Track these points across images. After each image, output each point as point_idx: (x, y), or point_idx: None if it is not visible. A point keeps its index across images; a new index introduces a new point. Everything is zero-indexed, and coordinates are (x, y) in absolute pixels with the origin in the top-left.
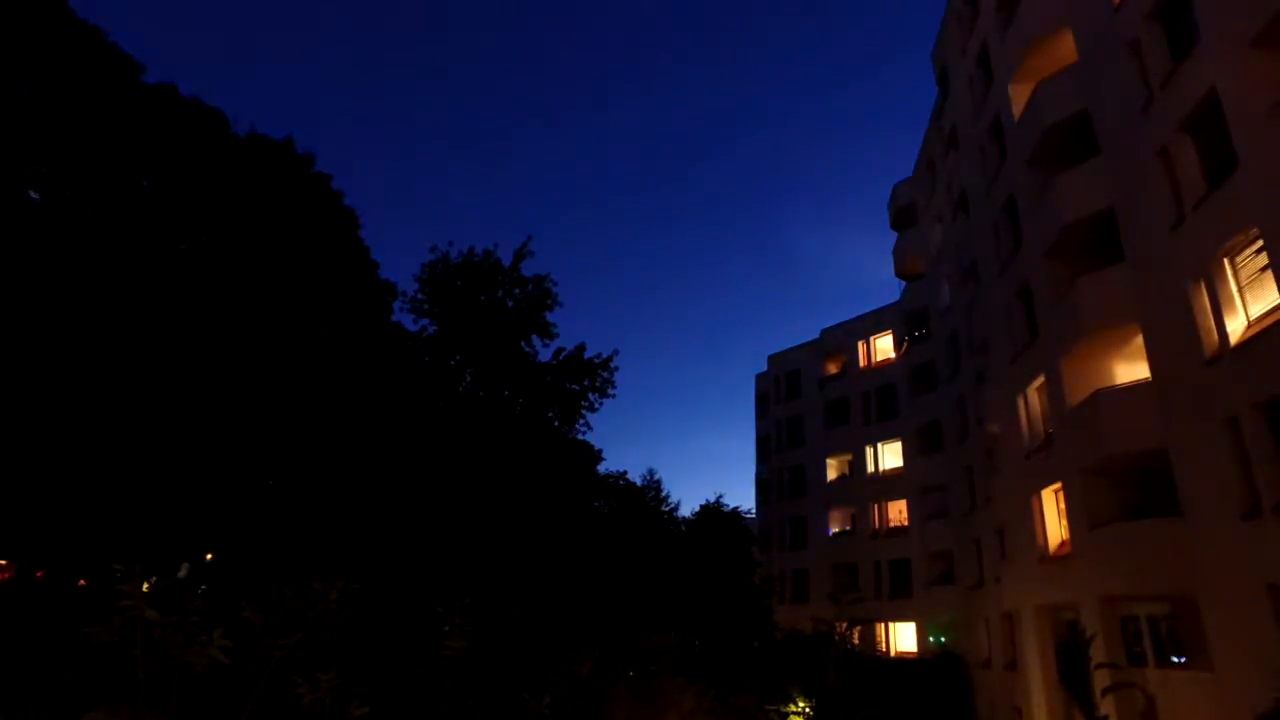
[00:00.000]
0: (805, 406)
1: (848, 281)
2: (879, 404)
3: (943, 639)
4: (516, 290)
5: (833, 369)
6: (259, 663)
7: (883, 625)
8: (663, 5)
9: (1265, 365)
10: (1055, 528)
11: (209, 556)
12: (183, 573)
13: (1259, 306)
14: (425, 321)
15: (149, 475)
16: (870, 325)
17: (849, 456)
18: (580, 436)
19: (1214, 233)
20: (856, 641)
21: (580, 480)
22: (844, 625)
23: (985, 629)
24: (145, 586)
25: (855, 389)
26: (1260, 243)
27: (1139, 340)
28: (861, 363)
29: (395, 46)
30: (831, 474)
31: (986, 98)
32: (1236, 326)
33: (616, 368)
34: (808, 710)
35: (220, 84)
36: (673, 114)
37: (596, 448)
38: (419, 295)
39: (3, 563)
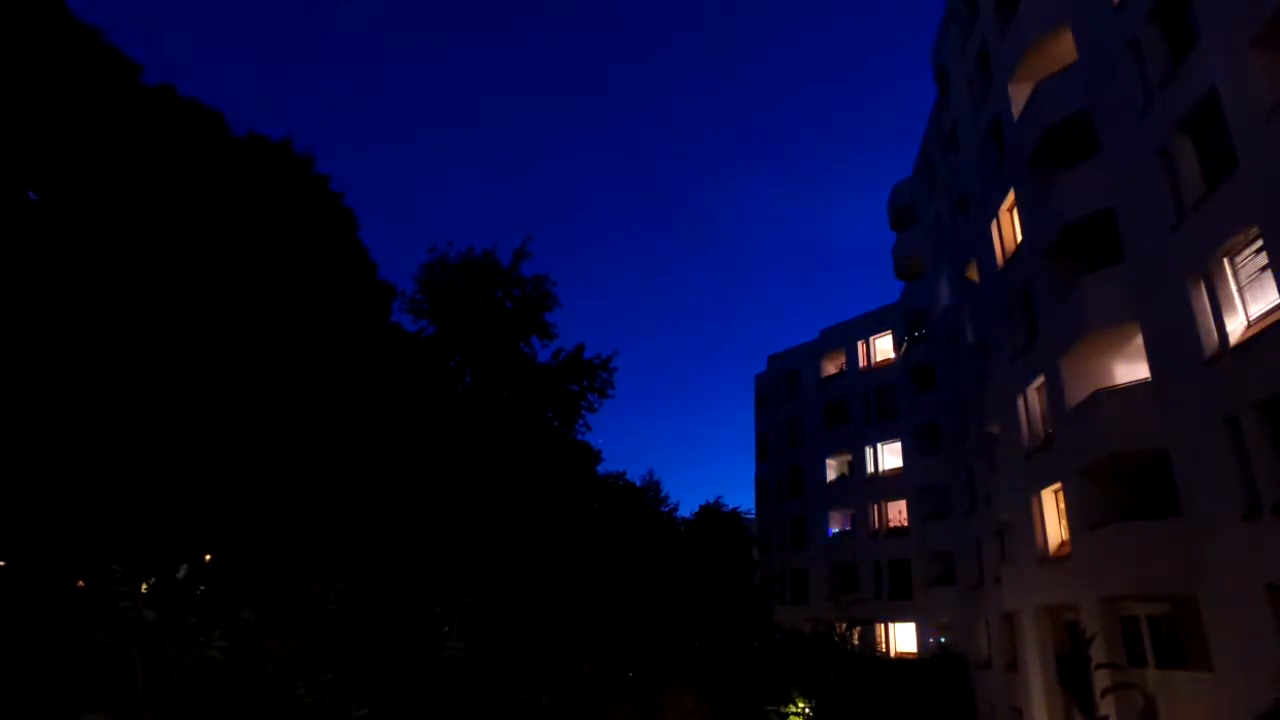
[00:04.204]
0: (805, 407)
1: (851, 279)
2: (878, 404)
3: (943, 639)
4: (516, 291)
5: (832, 369)
6: (258, 663)
7: (883, 625)
8: (671, 8)
9: (1265, 365)
10: (1055, 528)
11: (208, 557)
12: (181, 573)
13: (1259, 306)
14: (424, 322)
15: (148, 476)
16: (870, 325)
17: (849, 456)
18: (580, 437)
19: (1214, 232)
20: (856, 642)
21: (579, 481)
22: (844, 626)
23: (985, 629)
24: (144, 587)
25: (855, 389)
26: (1260, 242)
27: (1139, 340)
28: (861, 363)
29: (395, 46)
30: (831, 474)
31: (986, 98)
32: (1236, 326)
33: (616, 368)
34: (808, 710)
35: (219, 83)
36: (670, 115)
37: (596, 448)
38: (418, 296)
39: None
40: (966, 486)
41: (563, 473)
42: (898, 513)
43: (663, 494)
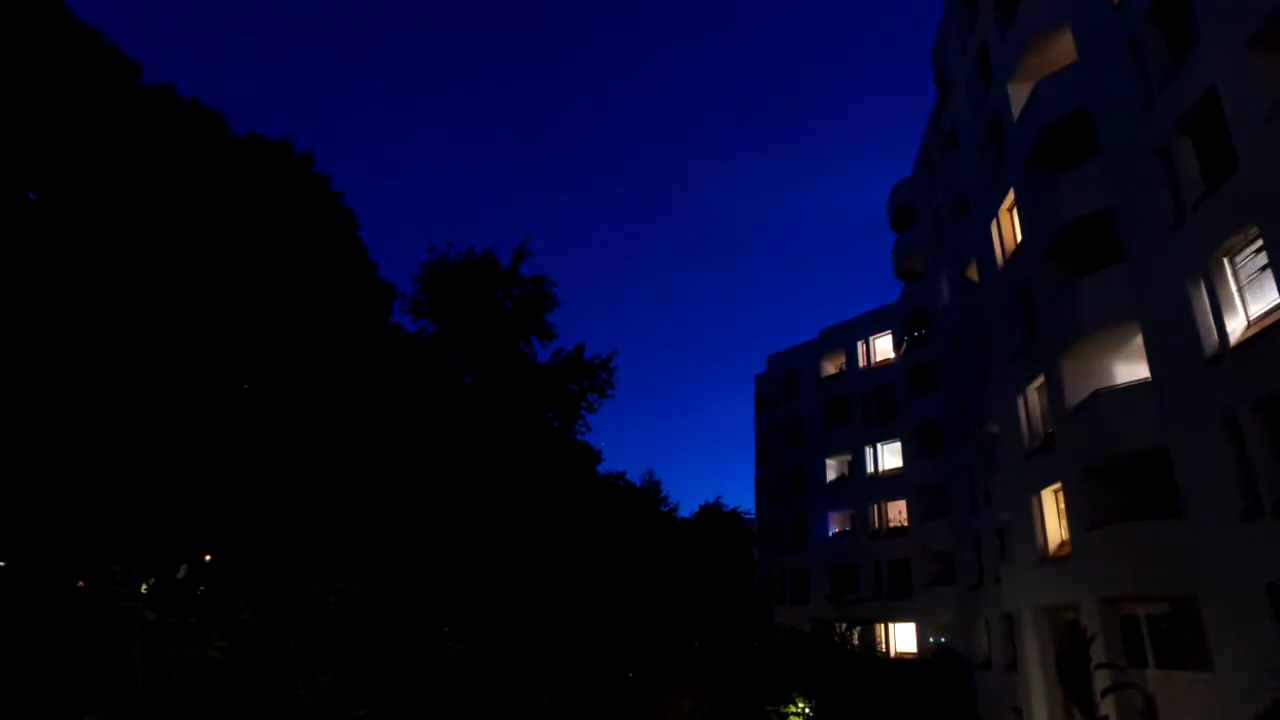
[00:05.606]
0: (805, 407)
1: (853, 278)
2: (878, 404)
3: (943, 639)
4: (516, 291)
5: (832, 369)
6: (258, 663)
7: (883, 625)
8: (673, 11)
9: (1265, 365)
10: (1055, 528)
11: (208, 558)
12: (181, 574)
13: (1259, 306)
14: (424, 322)
15: (148, 476)
16: (870, 325)
17: (849, 457)
18: (580, 437)
19: (1214, 232)
20: (856, 642)
21: (579, 482)
22: (844, 626)
23: (985, 629)
24: (144, 587)
25: (855, 389)
26: (1260, 242)
27: (1139, 340)
28: (861, 363)
29: (394, 46)
30: (831, 474)
31: (986, 97)
32: (1236, 326)
33: (616, 368)
34: (807, 710)
35: (218, 83)
36: (668, 116)
37: (596, 448)
38: (418, 296)
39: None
40: (966, 486)
41: (562, 473)
42: (898, 513)
43: (663, 494)
